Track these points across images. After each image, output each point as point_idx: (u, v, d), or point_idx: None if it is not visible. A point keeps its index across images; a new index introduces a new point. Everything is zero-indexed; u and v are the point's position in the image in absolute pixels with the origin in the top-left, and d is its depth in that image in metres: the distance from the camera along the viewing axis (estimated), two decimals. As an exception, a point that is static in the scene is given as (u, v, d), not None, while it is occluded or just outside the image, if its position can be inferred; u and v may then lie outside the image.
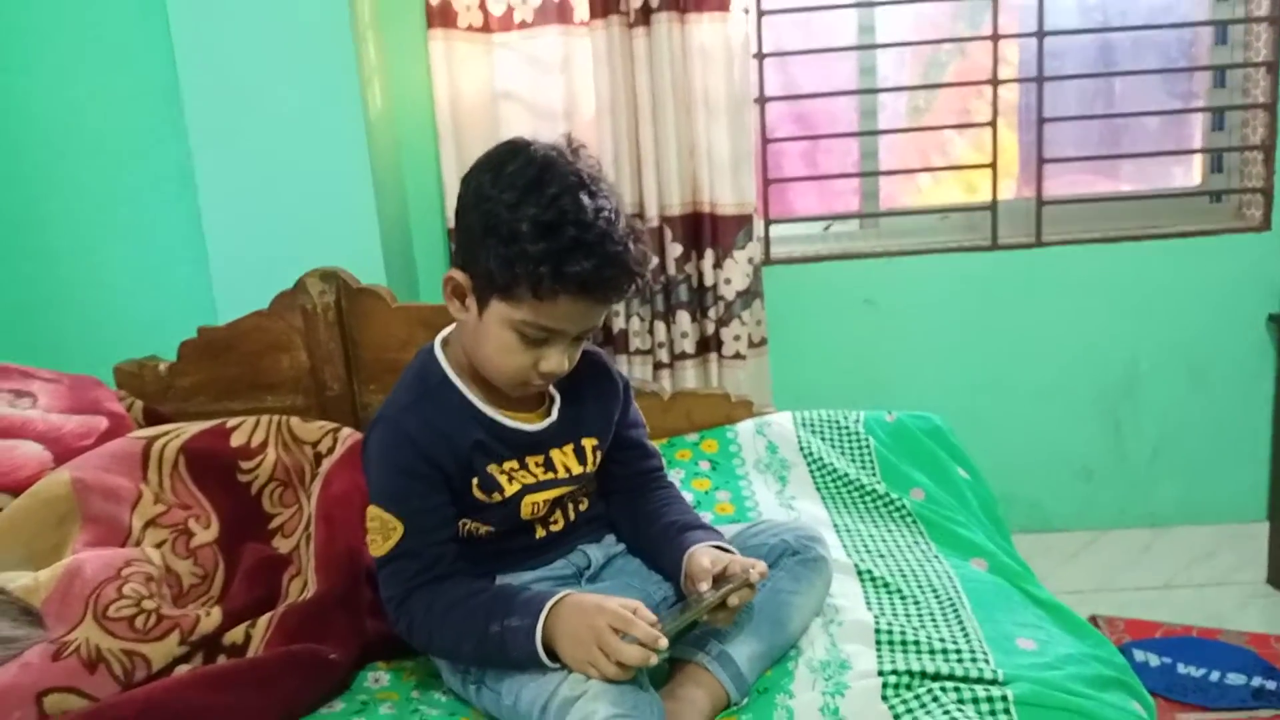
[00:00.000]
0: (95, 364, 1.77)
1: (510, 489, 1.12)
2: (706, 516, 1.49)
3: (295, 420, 1.56)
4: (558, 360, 1.07)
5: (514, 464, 1.13)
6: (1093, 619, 2.22)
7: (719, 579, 1.07)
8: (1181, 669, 2.02)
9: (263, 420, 1.55)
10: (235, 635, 1.19)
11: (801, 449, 1.64)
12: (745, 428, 1.70)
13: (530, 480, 1.14)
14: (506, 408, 1.14)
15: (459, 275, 1.08)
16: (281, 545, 1.43)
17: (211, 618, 1.20)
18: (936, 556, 1.37)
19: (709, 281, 2.16)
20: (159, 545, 1.32)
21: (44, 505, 1.30)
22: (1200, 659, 2.04)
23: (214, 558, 1.37)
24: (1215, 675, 1.99)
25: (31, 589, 1.14)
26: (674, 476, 1.59)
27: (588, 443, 1.19)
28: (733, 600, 1.05)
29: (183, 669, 1.14)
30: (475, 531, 1.14)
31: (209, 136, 1.98)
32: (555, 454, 1.16)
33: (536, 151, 1.04)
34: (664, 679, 1.10)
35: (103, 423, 1.52)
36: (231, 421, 1.53)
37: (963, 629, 1.16)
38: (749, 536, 1.21)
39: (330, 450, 1.51)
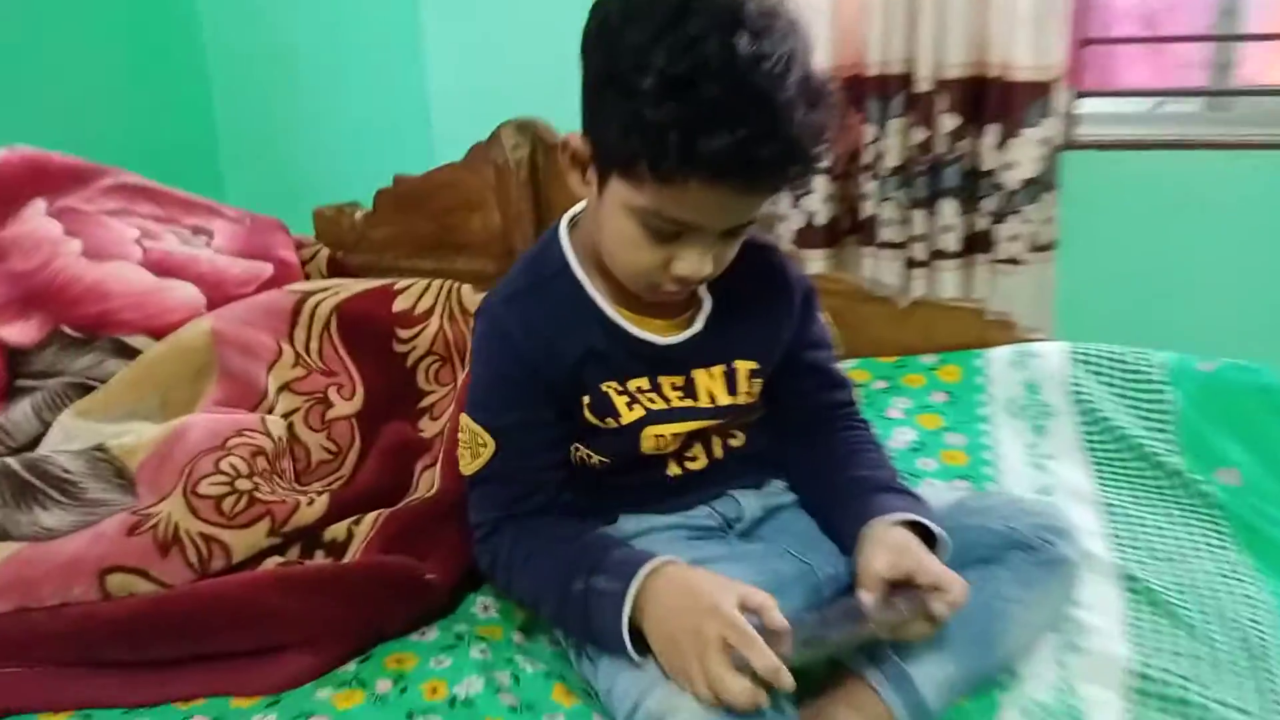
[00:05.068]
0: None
1: (628, 416, 0.88)
2: (928, 464, 1.23)
3: (467, 288, 1.40)
4: (695, 263, 0.81)
5: (643, 382, 0.90)
6: None
7: (894, 591, 0.79)
8: None
9: (433, 285, 1.40)
10: (337, 531, 1.06)
11: (1073, 394, 1.30)
12: (999, 356, 1.37)
13: (659, 406, 0.90)
14: (638, 310, 0.90)
15: (576, 140, 0.84)
16: (428, 428, 1.29)
17: (314, 507, 1.07)
18: (1248, 574, 1.04)
19: (987, 165, 1.80)
20: (290, 414, 1.22)
21: (181, 355, 1.23)
22: None
23: (350, 433, 1.25)
24: None
25: (131, 450, 1.06)
26: (899, 406, 1.33)
27: (742, 366, 0.92)
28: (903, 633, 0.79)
29: (273, 562, 1.03)
30: (588, 460, 0.92)
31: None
32: (699, 375, 0.91)
33: None
34: (818, 683, 0.84)
35: (268, 270, 1.45)
36: (400, 283, 1.40)
37: (1275, 695, 0.87)
38: (966, 514, 0.92)
39: (498, 323, 1.35)
